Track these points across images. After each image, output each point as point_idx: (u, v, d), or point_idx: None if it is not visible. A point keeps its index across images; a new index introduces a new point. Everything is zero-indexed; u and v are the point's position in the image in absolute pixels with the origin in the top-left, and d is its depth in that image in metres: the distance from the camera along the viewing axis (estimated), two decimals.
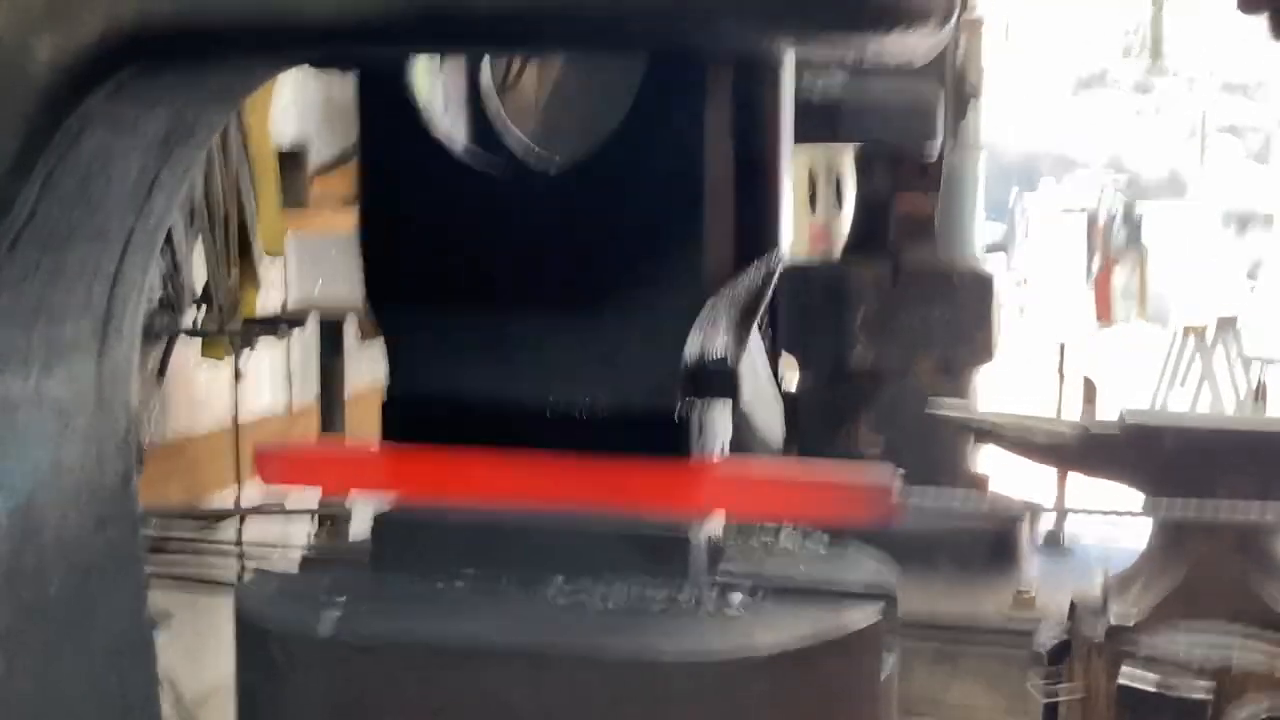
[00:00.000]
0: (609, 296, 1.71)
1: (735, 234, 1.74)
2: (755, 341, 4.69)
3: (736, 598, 1.73)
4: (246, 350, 3.88)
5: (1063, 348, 5.67)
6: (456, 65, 1.87)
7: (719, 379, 1.76)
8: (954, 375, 4.43)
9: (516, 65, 2.61)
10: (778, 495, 1.80)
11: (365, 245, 1.80)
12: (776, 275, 1.83)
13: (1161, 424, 2.70)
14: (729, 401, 1.79)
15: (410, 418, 1.78)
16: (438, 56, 1.81)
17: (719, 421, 1.79)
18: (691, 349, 1.71)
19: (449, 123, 1.83)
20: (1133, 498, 2.64)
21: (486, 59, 1.93)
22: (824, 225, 8.66)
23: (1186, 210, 20.91)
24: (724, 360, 1.80)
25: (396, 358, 1.79)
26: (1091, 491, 2.92)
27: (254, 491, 4.23)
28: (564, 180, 1.76)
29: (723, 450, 1.83)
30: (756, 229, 1.77)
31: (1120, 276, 20.77)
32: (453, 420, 1.76)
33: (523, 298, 1.75)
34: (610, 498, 1.74)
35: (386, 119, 1.78)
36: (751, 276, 1.79)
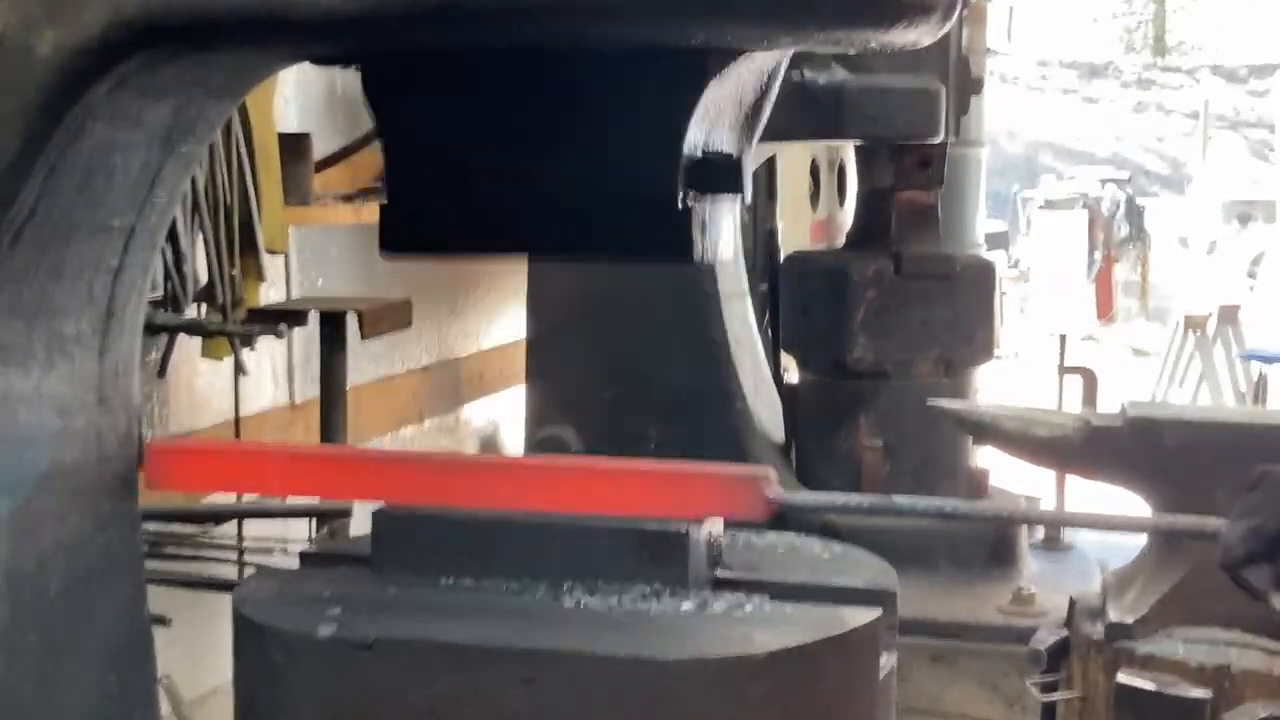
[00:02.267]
0: (607, 83, 1.63)
1: None
2: (755, 341, 4.70)
3: (735, 597, 1.74)
4: (247, 350, 3.88)
5: (1063, 341, 5.66)
6: None
7: (723, 171, 1.70)
8: (954, 372, 4.43)
9: None
10: (653, 490, 1.79)
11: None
12: (782, 69, 1.75)
13: (1164, 416, 2.69)
14: (734, 197, 1.73)
15: (410, 220, 1.71)
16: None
17: (724, 217, 1.74)
18: (693, 139, 1.65)
19: None
20: (1133, 502, 2.64)
21: None
22: (826, 219, 8.67)
23: (1188, 204, 20.89)
24: (728, 155, 1.75)
25: (393, 159, 1.72)
26: (1091, 492, 2.92)
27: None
28: None
29: (728, 252, 1.77)
30: None
31: (1121, 272, 20.78)
32: (453, 220, 1.69)
33: (521, 88, 1.67)
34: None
35: None
36: (756, 62, 1.71)
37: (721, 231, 1.71)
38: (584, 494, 1.81)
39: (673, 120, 1.60)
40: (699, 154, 1.65)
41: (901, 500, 1.91)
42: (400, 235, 1.71)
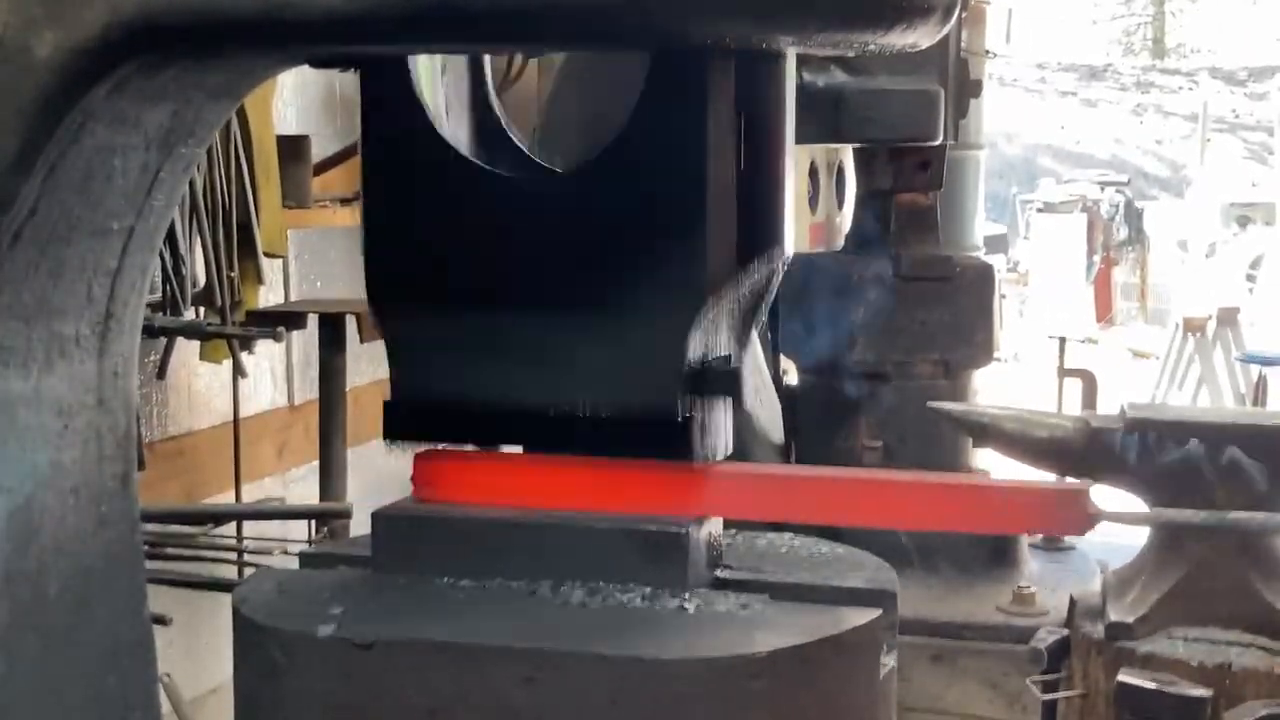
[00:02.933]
0: (611, 296, 1.71)
1: (738, 233, 1.74)
2: (754, 342, 4.70)
3: (735, 597, 1.74)
4: (245, 352, 3.88)
5: (1063, 343, 5.66)
6: (459, 64, 1.87)
7: (721, 379, 1.76)
8: (954, 374, 4.43)
9: (517, 63, 2.61)
10: (974, 505, 1.80)
11: (368, 245, 1.80)
12: (780, 274, 1.83)
13: (1163, 418, 2.69)
14: (731, 402, 1.79)
15: (411, 418, 1.79)
16: (440, 55, 1.80)
17: (722, 422, 1.79)
18: (693, 349, 1.71)
19: (453, 122, 1.83)
20: (1132, 502, 2.64)
21: (488, 57, 1.93)
22: (825, 222, 8.67)
23: (1187, 207, 20.89)
24: (726, 360, 1.80)
25: (397, 358, 1.79)
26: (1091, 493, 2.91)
27: (254, 490, 4.24)
28: (567, 180, 1.76)
29: (726, 452, 1.83)
30: (759, 227, 1.77)
31: (1120, 274, 20.78)
32: (454, 421, 1.76)
33: (524, 297, 1.75)
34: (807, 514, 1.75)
35: (390, 118, 1.78)
36: (754, 275, 1.79)
37: (720, 434, 1.79)
38: (908, 509, 1.83)
39: (674, 338, 1.68)
40: (699, 362, 1.72)
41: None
42: (402, 425, 1.80)
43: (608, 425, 1.72)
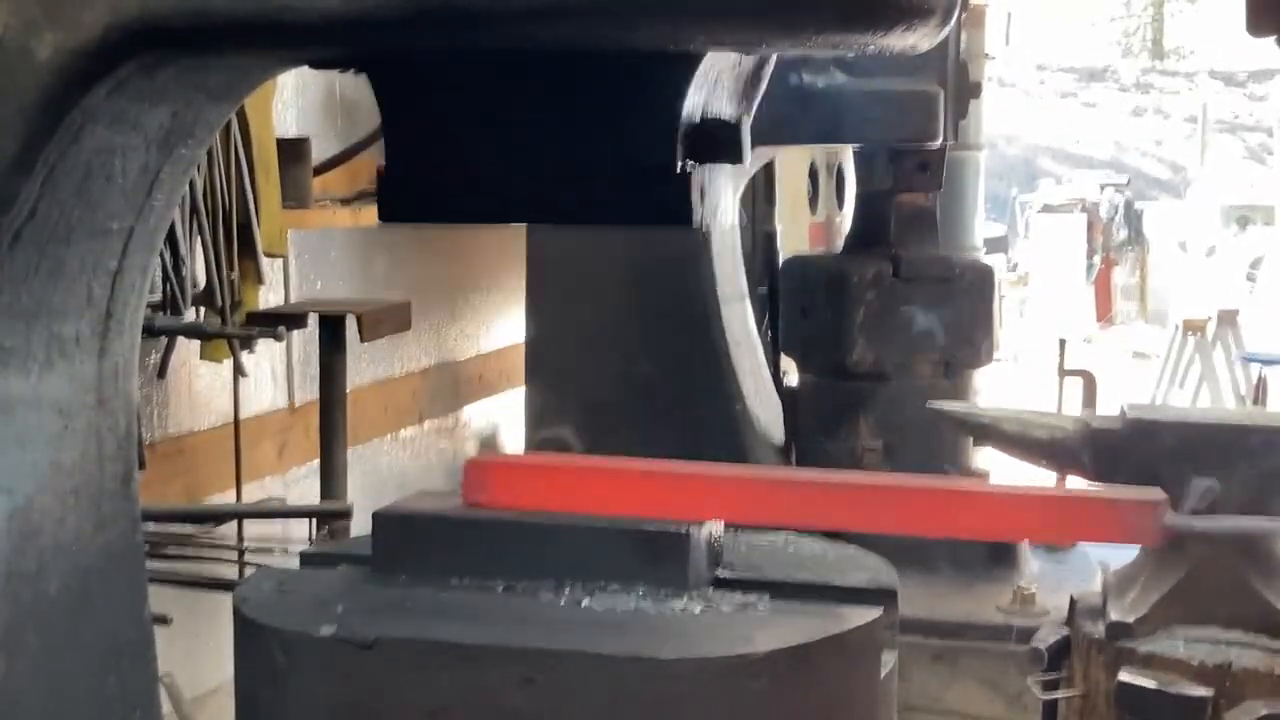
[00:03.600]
0: (606, 52, 1.63)
1: None
2: (755, 343, 4.70)
3: (735, 597, 1.74)
4: (246, 352, 3.88)
5: (1063, 344, 5.66)
6: None
7: (722, 138, 1.70)
8: (954, 375, 4.43)
9: None
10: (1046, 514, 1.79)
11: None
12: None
13: (1163, 418, 2.69)
14: (733, 166, 1.73)
15: (408, 192, 1.69)
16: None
17: (723, 184, 1.72)
18: (691, 106, 1.65)
19: None
20: None
21: None
22: (825, 223, 8.67)
23: (1186, 208, 20.89)
24: (727, 122, 1.75)
25: (393, 131, 1.71)
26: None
27: (254, 490, 4.24)
28: None
29: (729, 216, 1.75)
30: None
31: (1120, 275, 20.78)
32: (451, 187, 1.68)
33: (520, 58, 1.67)
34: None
35: None
36: None
37: (720, 197, 1.71)
38: (966, 517, 1.81)
39: (670, 87, 1.59)
40: (697, 121, 1.64)
41: None
42: (398, 203, 1.70)
43: (606, 186, 1.63)
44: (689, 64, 1.59)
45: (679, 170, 1.61)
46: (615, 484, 1.79)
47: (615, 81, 1.61)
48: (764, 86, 1.79)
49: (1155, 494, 1.75)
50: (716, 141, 1.65)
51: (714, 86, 1.66)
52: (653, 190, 1.61)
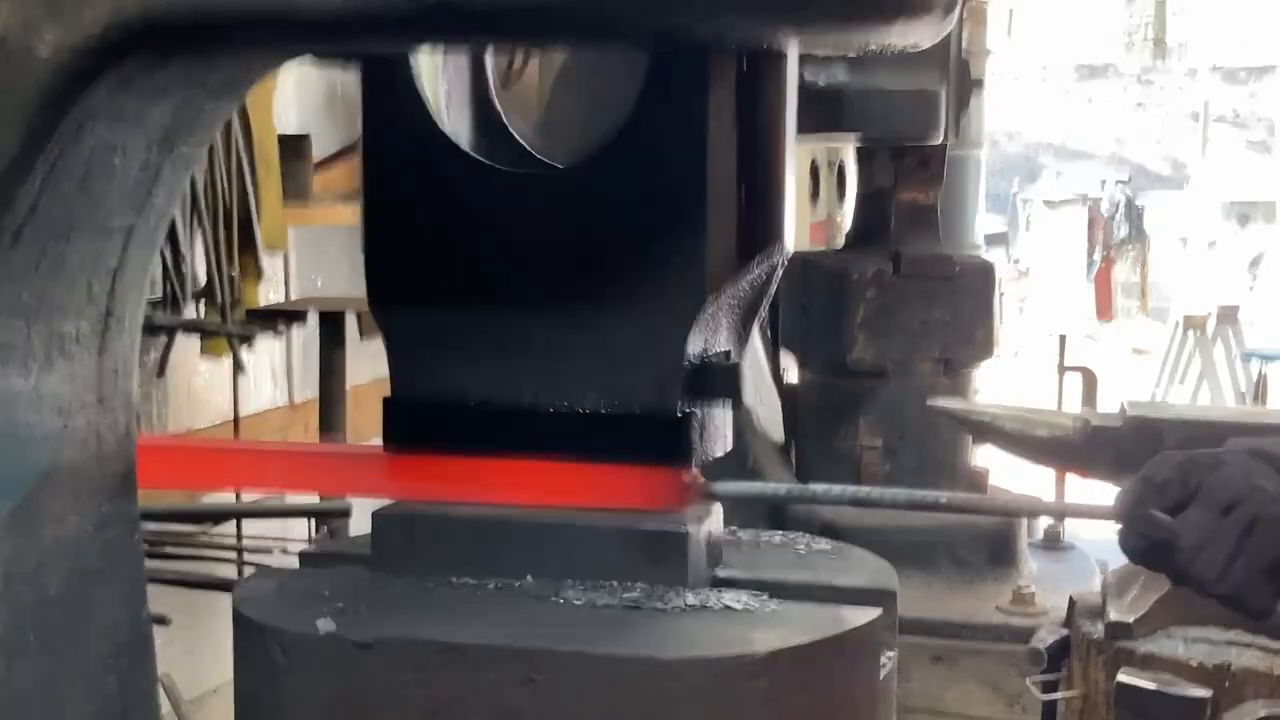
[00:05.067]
0: (610, 294, 1.71)
1: (738, 230, 1.74)
2: (755, 339, 4.70)
3: (735, 597, 1.73)
4: (246, 349, 3.88)
5: (1063, 340, 5.66)
6: (460, 60, 1.86)
7: (721, 377, 1.75)
8: (954, 371, 4.43)
9: (519, 60, 2.61)
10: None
11: (368, 244, 1.80)
12: (780, 271, 1.82)
13: (1163, 416, 2.69)
14: (731, 401, 1.78)
15: (411, 418, 1.78)
16: (441, 51, 1.80)
17: (721, 421, 1.79)
18: (693, 347, 1.71)
19: (454, 118, 1.82)
20: None
21: (490, 52, 1.93)
22: (825, 220, 8.67)
23: (1187, 204, 20.89)
24: (726, 358, 1.79)
25: (397, 358, 1.79)
26: (1091, 493, 2.91)
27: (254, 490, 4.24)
28: (567, 176, 1.76)
29: (726, 450, 1.82)
30: (760, 224, 1.77)
31: (1121, 271, 20.79)
32: (454, 421, 1.76)
33: (524, 296, 1.74)
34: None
35: (391, 114, 1.77)
36: (754, 273, 1.78)
37: (718, 435, 1.78)
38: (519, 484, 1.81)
39: (673, 336, 1.68)
40: (697, 361, 1.71)
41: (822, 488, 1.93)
42: (403, 428, 1.79)
43: (607, 424, 1.71)
44: (693, 309, 1.67)
45: (680, 414, 1.69)
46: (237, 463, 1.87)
47: (619, 322, 1.70)
48: (760, 318, 1.86)
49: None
50: (714, 379, 1.74)
51: (713, 329, 1.71)
52: (653, 432, 1.70)
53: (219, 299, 3.69)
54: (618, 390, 1.70)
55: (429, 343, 1.77)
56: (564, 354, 1.72)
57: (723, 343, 1.79)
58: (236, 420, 4.12)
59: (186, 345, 3.85)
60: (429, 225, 1.77)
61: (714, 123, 1.67)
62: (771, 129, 1.78)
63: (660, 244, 1.69)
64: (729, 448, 1.83)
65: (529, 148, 1.88)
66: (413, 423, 1.79)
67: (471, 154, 1.77)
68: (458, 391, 1.75)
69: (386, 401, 1.79)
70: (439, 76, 1.81)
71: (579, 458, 1.72)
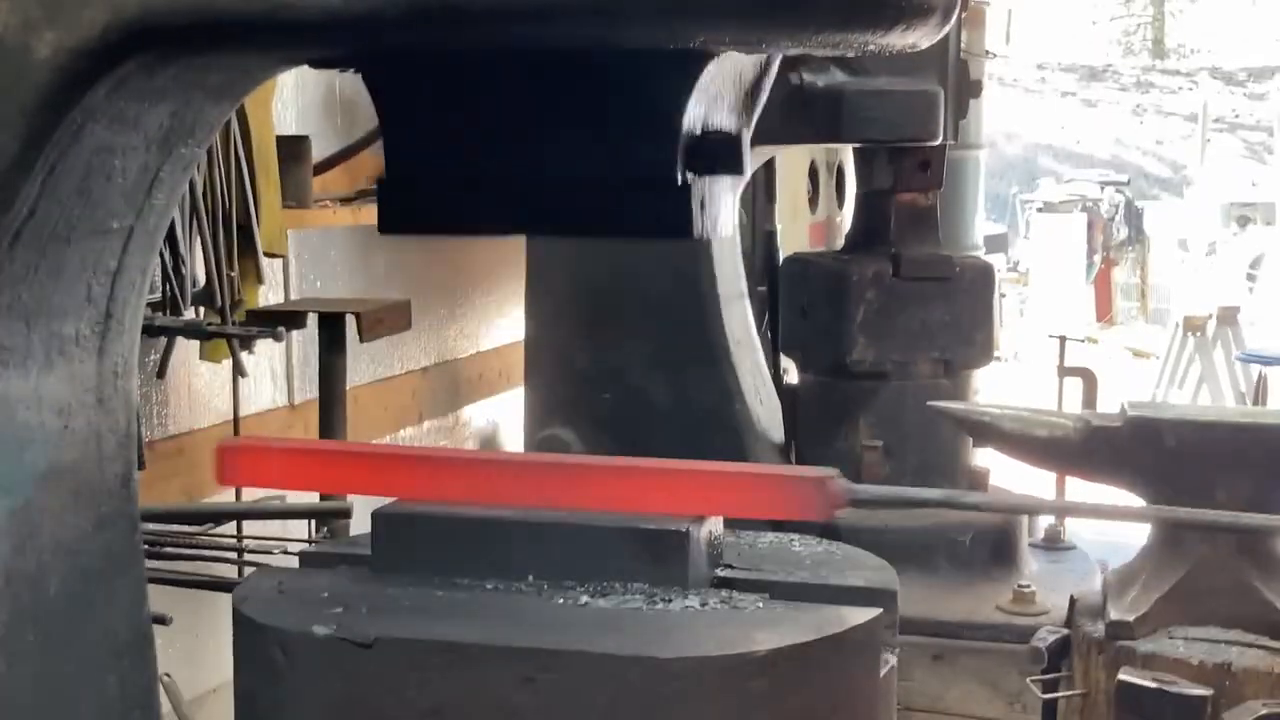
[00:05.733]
0: (606, 60, 1.64)
1: None
2: (755, 342, 4.70)
3: (735, 597, 1.74)
4: (246, 352, 3.88)
5: (1063, 343, 5.66)
6: None
7: (722, 150, 1.69)
8: (954, 372, 4.43)
9: None
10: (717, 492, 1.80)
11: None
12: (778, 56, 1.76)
13: (1164, 416, 2.69)
14: (733, 177, 1.73)
15: (408, 199, 1.69)
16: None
17: (723, 195, 1.73)
18: (692, 117, 1.65)
19: None
20: (1132, 501, 2.64)
21: None
22: (825, 222, 8.68)
23: (1187, 207, 20.88)
24: (727, 133, 1.74)
25: (392, 140, 1.72)
26: (1091, 493, 2.91)
27: (254, 490, 4.24)
28: None
29: (729, 228, 1.76)
30: None
31: (1121, 273, 20.78)
32: (451, 198, 1.68)
33: (520, 67, 1.66)
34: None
35: None
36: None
37: (721, 209, 1.70)
38: (645, 492, 1.81)
39: (672, 99, 1.59)
40: (698, 132, 1.63)
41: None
42: (398, 214, 1.70)
43: (607, 197, 1.63)
44: (690, 75, 1.59)
45: (679, 182, 1.60)
46: (349, 467, 1.82)
47: (616, 92, 1.61)
48: (764, 99, 1.80)
49: (826, 471, 1.77)
50: (717, 153, 1.65)
51: (715, 99, 1.65)
52: (653, 202, 1.61)
53: (218, 301, 3.69)
54: (616, 157, 1.61)
55: (423, 118, 1.68)
56: (562, 122, 1.64)
57: (725, 120, 1.73)
58: (236, 421, 4.12)
59: (186, 347, 3.85)
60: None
61: None
62: None
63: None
64: (731, 229, 1.78)
65: None
66: (408, 205, 1.70)
67: None
68: (453, 168, 1.67)
69: (379, 183, 1.70)
70: None
71: (577, 229, 1.66)
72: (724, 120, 1.70)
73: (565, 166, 1.63)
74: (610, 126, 1.62)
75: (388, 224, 1.70)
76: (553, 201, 1.65)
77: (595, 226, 1.68)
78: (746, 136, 1.74)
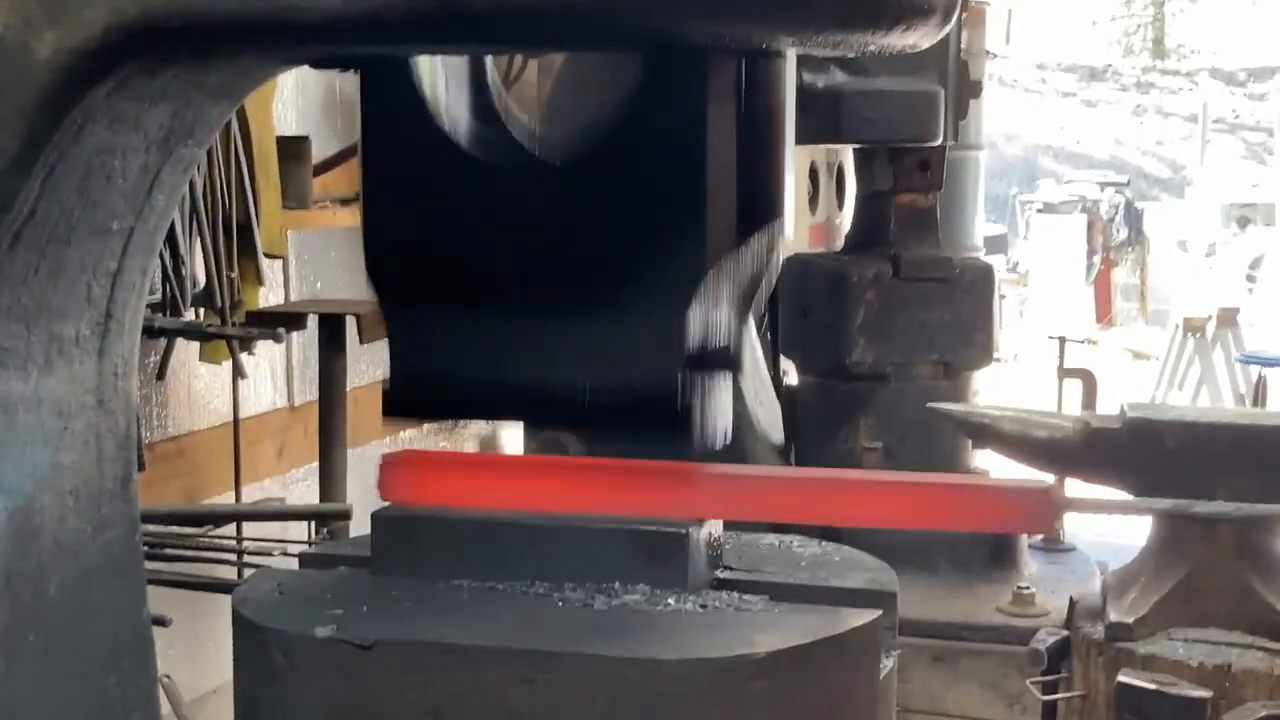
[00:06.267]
0: (609, 276, 1.67)
1: (737, 205, 1.71)
2: (754, 343, 4.70)
3: (735, 598, 1.73)
4: (245, 353, 3.88)
5: (1062, 344, 5.66)
6: (459, 56, 1.86)
7: (721, 358, 1.72)
8: (954, 374, 4.43)
9: (518, 62, 2.61)
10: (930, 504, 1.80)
11: (367, 234, 1.78)
12: (780, 250, 1.80)
13: (1163, 418, 2.69)
14: (730, 382, 1.76)
15: (411, 401, 1.75)
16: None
17: (721, 401, 1.76)
18: (693, 327, 1.68)
19: (452, 111, 1.81)
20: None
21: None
22: (825, 223, 8.68)
23: (1187, 208, 20.88)
24: (726, 339, 1.76)
25: (398, 342, 1.76)
26: (1093, 494, 2.91)
27: (254, 491, 4.24)
28: (566, 165, 1.74)
29: (727, 436, 1.80)
30: (758, 200, 1.74)
31: (1121, 274, 20.78)
32: (453, 405, 1.74)
33: (524, 282, 1.71)
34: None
35: (389, 108, 1.76)
36: (753, 250, 1.76)
37: (719, 411, 1.76)
38: (873, 508, 1.82)
39: (673, 313, 1.65)
40: (698, 342, 1.69)
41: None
42: (402, 403, 1.76)
43: (607, 406, 1.69)
44: (692, 287, 1.65)
45: (680, 397, 1.66)
46: (532, 480, 1.82)
47: (619, 304, 1.68)
48: (762, 295, 1.84)
49: (1046, 481, 1.77)
50: (714, 355, 1.71)
51: (713, 303, 1.70)
52: (654, 413, 1.67)
53: (218, 302, 3.69)
54: (617, 370, 1.66)
55: (429, 326, 1.73)
56: (564, 337, 1.68)
57: (723, 324, 1.75)
58: (236, 423, 4.12)
59: (186, 348, 3.85)
60: (427, 216, 1.75)
61: (712, 104, 1.65)
62: (771, 109, 1.76)
63: (659, 222, 1.66)
64: (729, 436, 1.81)
65: (528, 137, 1.87)
66: (411, 405, 1.76)
67: (468, 146, 1.76)
68: (456, 375, 1.72)
69: (385, 384, 1.75)
70: (437, 71, 1.81)
71: (578, 429, 1.71)
72: (721, 319, 1.75)
73: (566, 371, 1.69)
74: (611, 340, 1.68)
75: (391, 412, 1.77)
76: (552, 403, 1.71)
77: (594, 430, 1.74)
78: (745, 334, 1.80)
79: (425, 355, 1.74)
